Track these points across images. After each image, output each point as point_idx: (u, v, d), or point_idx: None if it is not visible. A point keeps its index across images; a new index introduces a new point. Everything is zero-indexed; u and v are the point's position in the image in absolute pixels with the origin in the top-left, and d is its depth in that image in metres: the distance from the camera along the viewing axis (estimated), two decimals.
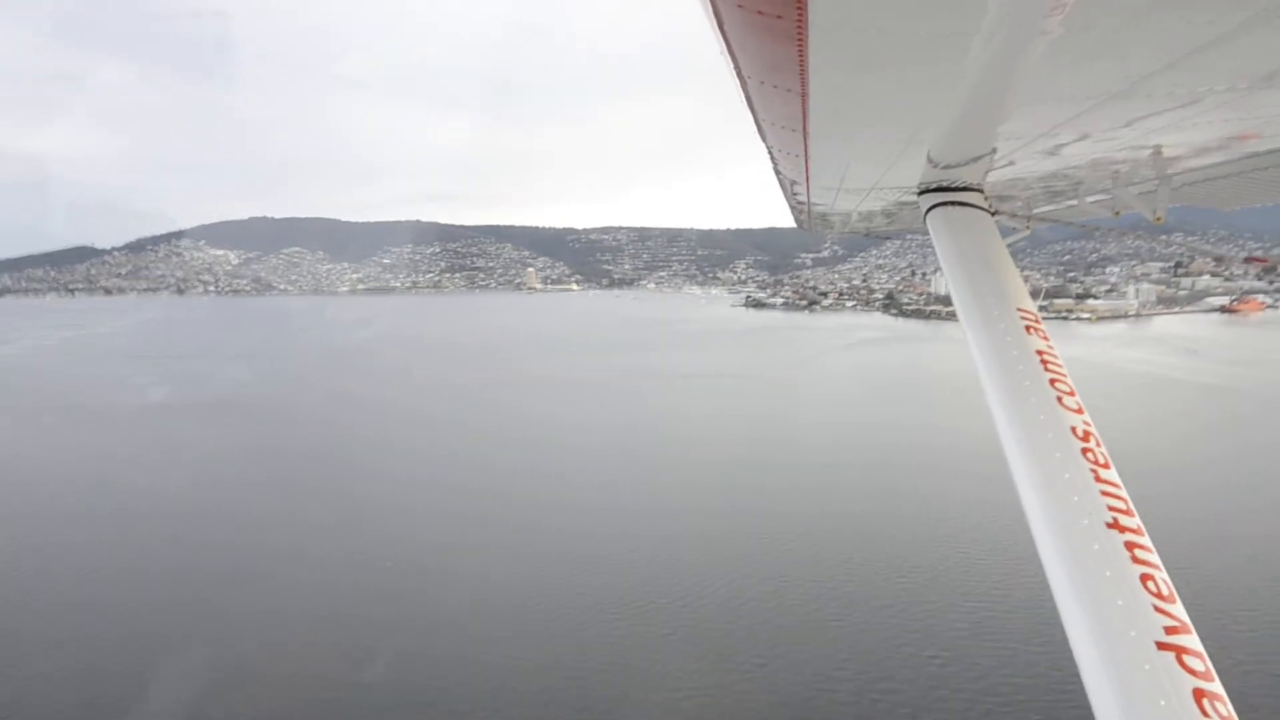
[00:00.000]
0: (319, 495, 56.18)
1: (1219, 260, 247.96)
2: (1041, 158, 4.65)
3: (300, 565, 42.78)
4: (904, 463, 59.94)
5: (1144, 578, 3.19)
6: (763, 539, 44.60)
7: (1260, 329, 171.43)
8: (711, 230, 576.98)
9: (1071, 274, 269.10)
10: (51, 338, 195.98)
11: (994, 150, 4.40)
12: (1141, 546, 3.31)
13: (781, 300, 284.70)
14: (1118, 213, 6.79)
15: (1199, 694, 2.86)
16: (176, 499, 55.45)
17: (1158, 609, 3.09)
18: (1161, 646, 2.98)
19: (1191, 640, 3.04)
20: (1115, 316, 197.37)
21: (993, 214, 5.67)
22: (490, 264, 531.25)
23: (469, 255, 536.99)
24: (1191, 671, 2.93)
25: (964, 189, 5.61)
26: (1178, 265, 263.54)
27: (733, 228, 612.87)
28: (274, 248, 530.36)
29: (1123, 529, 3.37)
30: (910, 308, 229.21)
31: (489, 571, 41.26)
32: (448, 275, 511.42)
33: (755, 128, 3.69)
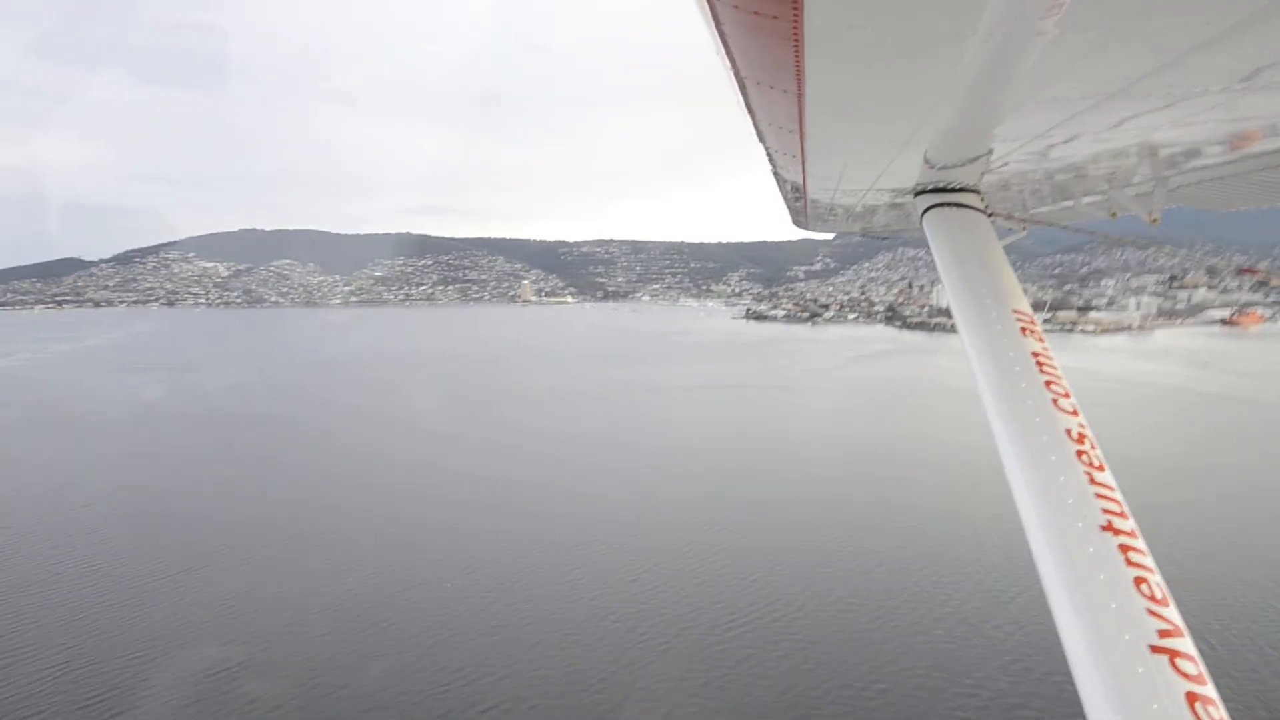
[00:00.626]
0: (330, 507, 55.30)
1: (1211, 272, 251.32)
2: (1038, 159, 4.66)
3: (316, 570, 43.15)
4: (937, 478, 59.56)
5: (1138, 580, 3.18)
6: (794, 553, 44.25)
7: (1262, 341, 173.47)
8: (703, 243, 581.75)
9: (1068, 286, 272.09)
10: (48, 351, 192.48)
11: (990, 151, 4.40)
12: (1136, 550, 3.31)
13: (783, 313, 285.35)
14: (1114, 214, 6.80)
15: (1192, 697, 2.87)
16: (216, 507, 54.15)
17: (1151, 612, 3.09)
18: (1155, 650, 2.99)
19: (1185, 644, 3.04)
20: (1118, 329, 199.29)
21: (989, 215, 5.62)
22: (483, 276, 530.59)
23: (461, 268, 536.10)
24: (1185, 675, 2.93)
25: (960, 190, 5.57)
26: (1172, 279, 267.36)
27: (723, 241, 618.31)
28: (264, 260, 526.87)
29: (1117, 531, 3.36)
30: (914, 320, 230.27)
31: (504, 581, 41.28)
32: (440, 287, 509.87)
33: (753, 129, 3.70)
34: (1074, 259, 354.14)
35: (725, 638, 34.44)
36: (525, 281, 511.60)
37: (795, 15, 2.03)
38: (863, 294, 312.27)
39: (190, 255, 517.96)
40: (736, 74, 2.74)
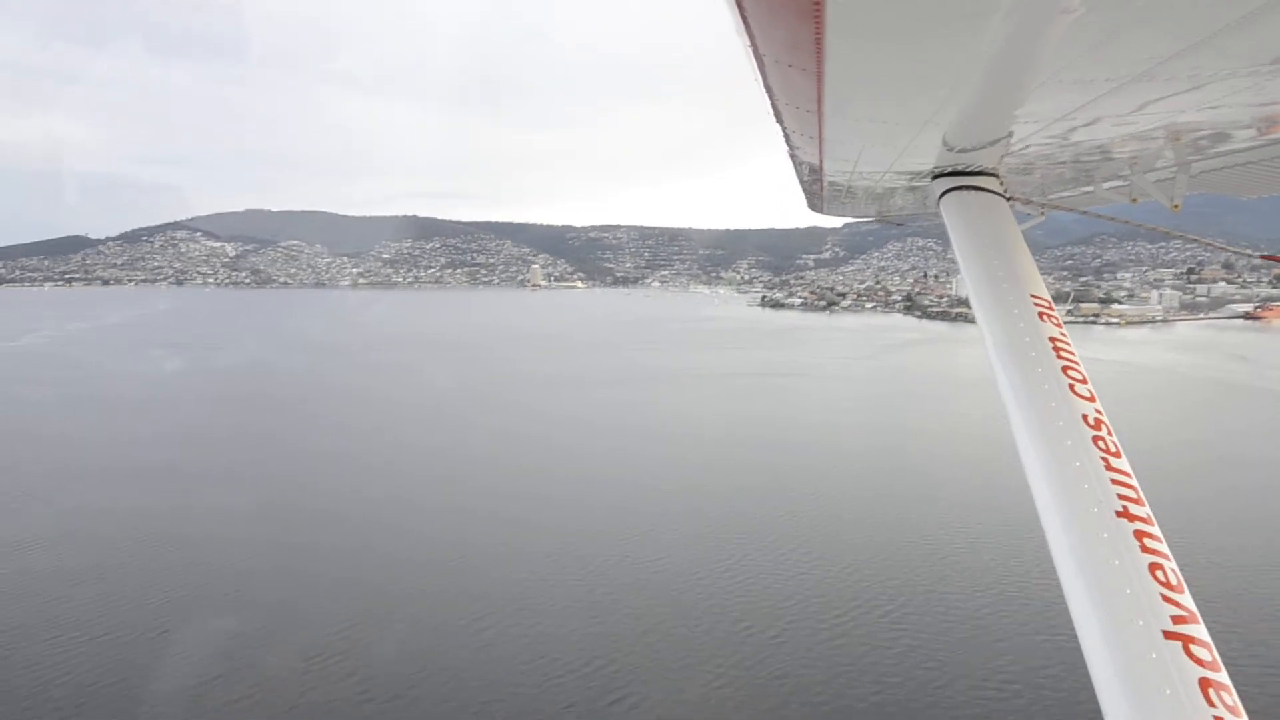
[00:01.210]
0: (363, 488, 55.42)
1: (1228, 266, 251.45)
2: (1058, 142, 4.62)
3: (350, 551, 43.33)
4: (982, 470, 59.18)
5: (1152, 567, 3.17)
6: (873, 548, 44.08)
7: None
8: (710, 230, 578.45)
9: (1084, 279, 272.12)
10: (68, 328, 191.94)
11: (1010, 134, 4.35)
12: (1151, 536, 3.29)
13: (799, 301, 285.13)
14: (1135, 199, 6.70)
15: (1205, 683, 2.86)
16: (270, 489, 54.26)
17: (1165, 598, 3.08)
18: (1169, 636, 2.97)
19: (1199, 630, 3.03)
20: (1142, 321, 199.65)
21: (1007, 199, 5.57)
22: (491, 260, 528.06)
23: (469, 251, 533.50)
24: (1198, 661, 2.92)
25: (979, 173, 5.52)
26: (1190, 271, 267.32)
27: (731, 228, 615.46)
28: (271, 240, 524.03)
29: (1132, 518, 3.34)
30: (934, 310, 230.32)
31: (532, 574, 40.84)
32: (449, 271, 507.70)
33: (770, 109, 3.65)
34: (1085, 251, 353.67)
35: (786, 632, 34.10)
36: (535, 266, 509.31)
37: None
38: (878, 283, 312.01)
39: (197, 235, 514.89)
40: (756, 52, 2.72)
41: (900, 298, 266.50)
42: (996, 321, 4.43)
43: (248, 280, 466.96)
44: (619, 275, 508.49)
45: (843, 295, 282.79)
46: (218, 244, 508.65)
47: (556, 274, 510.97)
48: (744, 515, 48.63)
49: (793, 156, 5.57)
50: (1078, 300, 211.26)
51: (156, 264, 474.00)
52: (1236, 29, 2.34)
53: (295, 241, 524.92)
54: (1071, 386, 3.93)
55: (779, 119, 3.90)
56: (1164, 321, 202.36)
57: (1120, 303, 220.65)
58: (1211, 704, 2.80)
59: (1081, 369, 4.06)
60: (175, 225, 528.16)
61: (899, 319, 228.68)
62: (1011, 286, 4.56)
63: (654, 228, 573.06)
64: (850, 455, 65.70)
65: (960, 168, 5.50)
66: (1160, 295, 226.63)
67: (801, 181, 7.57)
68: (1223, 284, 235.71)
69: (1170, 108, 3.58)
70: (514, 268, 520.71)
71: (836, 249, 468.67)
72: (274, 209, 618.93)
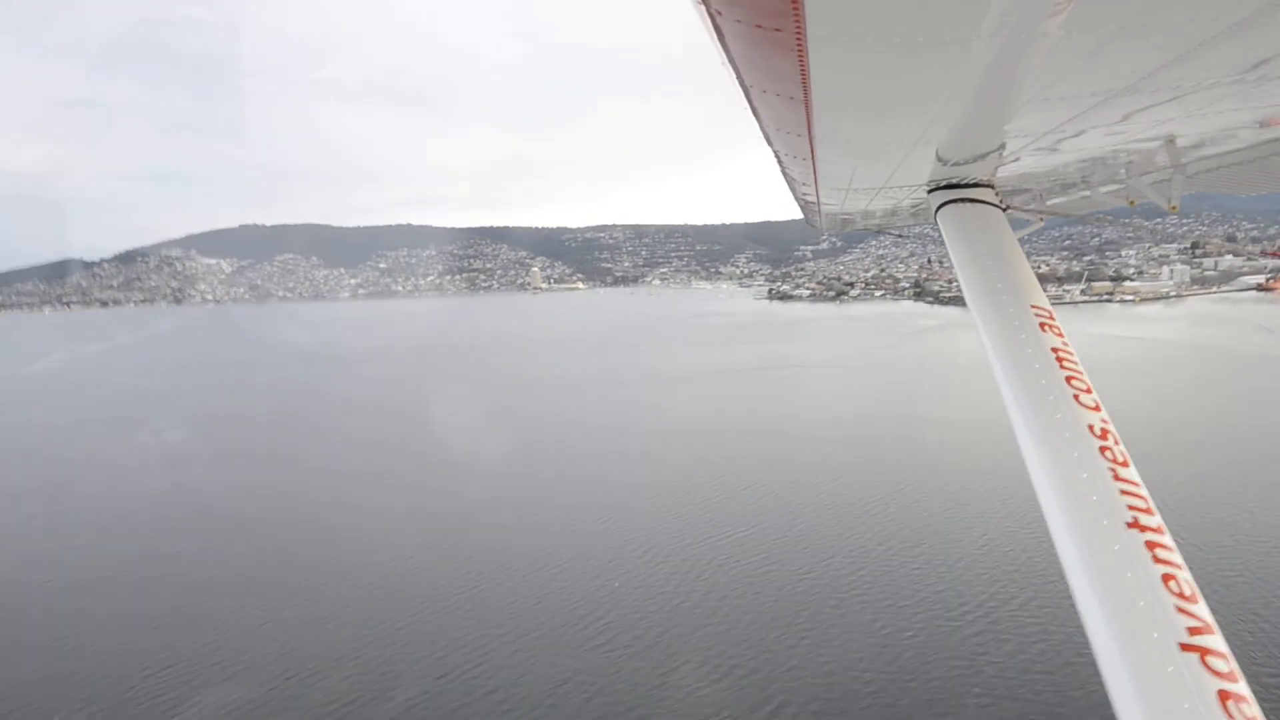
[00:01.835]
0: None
1: (1230, 238, 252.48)
2: (1052, 152, 4.65)
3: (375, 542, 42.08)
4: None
5: (1166, 578, 3.13)
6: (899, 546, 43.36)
7: None
8: (706, 225, 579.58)
9: (1088, 258, 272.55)
10: (82, 351, 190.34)
11: (1003, 146, 4.35)
12: (1163, 546, 3.25)
13: (807, 292, 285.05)
14: (1132, 202, 6.75)
15: (1224, 695, 2.82)
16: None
17: (1180, 610, 3.04)
18: (1185, 648, 2.93)
19: (1216, 641, 2.99)
20: (1155, 297, 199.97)
21: (1004, 209, 5.60)
22: (489, 265, 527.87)
23: (466, 257, 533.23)
24: (1216, 673, 2.88)
25: (974, 185, 5.53)
26: (1194, 245, 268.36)
27: (727, 222, 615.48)
28: (266, 255, 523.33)
29: (1143, 528, 3.30)
30: (945, 295, 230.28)
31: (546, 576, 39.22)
32: (448, 278, 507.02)
33: (760, 134, 3.68)
34: (1083, 231, 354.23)
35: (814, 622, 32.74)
36: (534, 269, 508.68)
37: (798, 27, 2.04)
38: (884, 271, 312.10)
39: (192, 253, 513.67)
40: (741, 83, 2.73)
41: (909, 285, 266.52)
42: (998, 334, 4.39)
43: (246, 296, 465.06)
44: (618, 275, 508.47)
45: (851, 284, 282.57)
46: (213, 261, 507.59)
47: (555, 276, 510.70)
48: (813, 509, 48.07)
49: (786, 176, 5.54)
50: (1090, 280, 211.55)
51: (153, 283, 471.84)
52: (1216, 43, 2.39)
53: (290, 255, 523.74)
54: (1076, 397, 3.89)
55: (769, 142, 3.90)
56: (1177, 297, 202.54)
57: (1131, 280, 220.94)
58: (1231, 716, 2.78)
59: (1086, 378, 4.02)
60: (169, 244, 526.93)
61: (910, 305, 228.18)
62: (1012, 298, 4.53)
63: (649, 225, 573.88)
64: (899, 449, 65.19)
65: (955, 180, 5.46)
66: (1171, 271, 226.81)
67: (797, 200, 7.44)
68: (1229, 257, 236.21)
69: (1159, 117, 3.63)
70: (512, 271, 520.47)
71: (834, 240, 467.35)
72: (267, 224, 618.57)
